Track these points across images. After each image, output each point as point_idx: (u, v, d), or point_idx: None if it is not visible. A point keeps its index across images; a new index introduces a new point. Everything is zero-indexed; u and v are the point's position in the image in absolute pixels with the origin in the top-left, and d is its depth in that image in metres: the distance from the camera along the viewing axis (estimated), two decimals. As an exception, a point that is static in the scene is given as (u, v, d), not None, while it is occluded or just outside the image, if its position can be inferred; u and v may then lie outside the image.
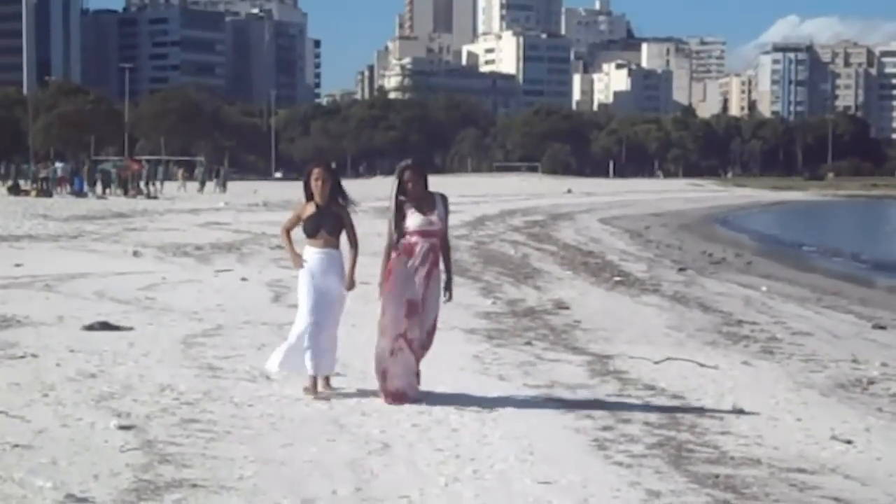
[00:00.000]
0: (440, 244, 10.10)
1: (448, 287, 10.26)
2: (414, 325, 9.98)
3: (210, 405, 9.65)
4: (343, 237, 10.45)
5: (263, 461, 7.83)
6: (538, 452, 8.44)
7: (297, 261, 10.33)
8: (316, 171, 10.30)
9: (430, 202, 10.03)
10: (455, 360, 12.42)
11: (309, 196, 10.33)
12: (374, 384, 10.29)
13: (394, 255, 9.98)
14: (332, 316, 10.29)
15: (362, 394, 10.26)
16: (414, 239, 9.96)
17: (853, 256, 40.64)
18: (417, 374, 10.19)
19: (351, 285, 10.33)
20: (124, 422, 8.86)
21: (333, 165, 10.92)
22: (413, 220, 9.96)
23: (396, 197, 10.00)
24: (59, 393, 9.94)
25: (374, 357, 10.05)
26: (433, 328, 10.20)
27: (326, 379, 10.40)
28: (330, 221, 10.24)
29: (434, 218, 10.00)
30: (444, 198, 10.15)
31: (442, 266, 10.17)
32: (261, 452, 8.04)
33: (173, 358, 11.94)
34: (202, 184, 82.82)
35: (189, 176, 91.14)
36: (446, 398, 10.27)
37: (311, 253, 10.27)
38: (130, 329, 13.86)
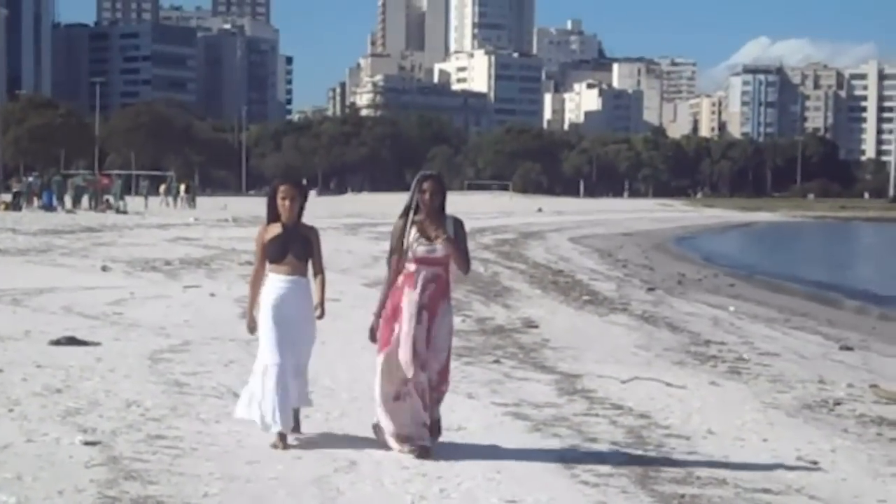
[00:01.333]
0: (446, 274, 8.98)
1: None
2: (419, 368, 8.79)
3: (176, 421, 9.61)
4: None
5: (229, 478, 7.80)
6: (505, 471, 8.44)
7: (252, 324, 9.20)
8: (283, 189, 9.05)
9: (438, 224, 8.88)
10: (423, 377, 12.38)
11: (273, 216, 9.11)
12: (342, 402, 10.27)
13: (404, 286, 8.88)
14: (300, 356, 9.07)
15: (330, 412, 10.23)
16: (414, 267, 8.85)
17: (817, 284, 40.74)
18: (430, 425, 8.92)
19: (322, 313, 9.16)
20: (90, 437, 8.81)
21: (304, 182, 10.05)
22: (416, 246, 8.86)
23: (408, 214, 8.91)
24: (24, 408, 9.88)
25: (377, 401, 8.93)
26: (444, 369, 8.98)
27: (297, 424, 9.22)
28: (298, 244, 9.02)
29: (439, 245, 8.84)
30: (457, 221, 9.03)
31: (450, 302, 9.10)
32: (227, 469, 8.01)
33: (140, 374, 11.89)
34: (174, 198, 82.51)
35: (154, 191, 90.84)
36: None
37: (276, 281, 9.02)
38: (97, 344, 13.79)
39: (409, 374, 8.75)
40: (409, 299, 8.82)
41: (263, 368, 8.91)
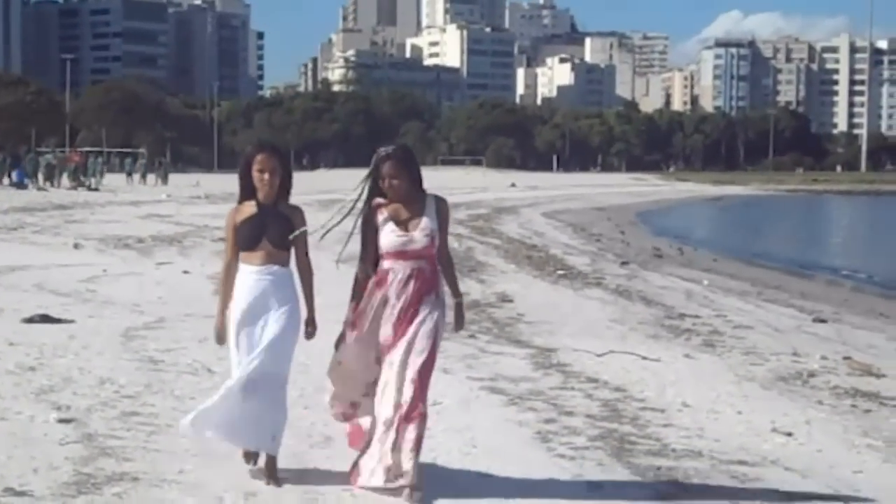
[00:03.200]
0: (431, 267, 7.22)
1: (457, 316, 7.53)
2: (404, 380, 7.09)
3: (151, 398, 9.58)
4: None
5: (205, 455, 7.77)
6: (481, 445, 8.44)
7: (221, 331, 7.41)
8: (260, 158, 7.23)
9: (415, 208, 7.19)
10: (398, 353, 12.38)
11: (247, 193, 7.34)
12: (316, 378, 10.22)
13: (374, 288, 7.23)
14: (277, 369, 7.28)
15: (305, 387, 10.21)
16: (387, 264, 7.16)
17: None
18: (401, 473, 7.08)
19: (313, 331, 7.52)
20: (64, 415, 8.78)
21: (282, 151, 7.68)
22: (386, 236, 7.14)
23: (369, 198, 7.29)
24: (-3, 386, 9.84)
25: (333, 409, 7.64)
26: (420, 378, 7.05)
27: (270, 462, 7.35)
28: (277, 227, 7.26)
29: (417, 233, 7.12)
30: (439, 200, 7.30)
31: (440, 296, 7.34)
32: (202, 446, 7.99)
33: (114, 351, 11.85)
34: (143, 176, 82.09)
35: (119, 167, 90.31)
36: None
37: (248, 274, 7.26)
38: (71, 322, 13.74)
39: (372, 377, 7.27)
40: (376, 297, 7.21)
41: (231, 384, 7.23)
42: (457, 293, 7.45)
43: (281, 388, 7.29)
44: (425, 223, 7.17)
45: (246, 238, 7.30)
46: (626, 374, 11.77)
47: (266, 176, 7.28)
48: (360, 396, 7.41)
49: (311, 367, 10.39)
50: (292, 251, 7.42)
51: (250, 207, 7.34)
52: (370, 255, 7.27)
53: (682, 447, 8.69)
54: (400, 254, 7.15)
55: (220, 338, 7.44)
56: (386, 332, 7.18)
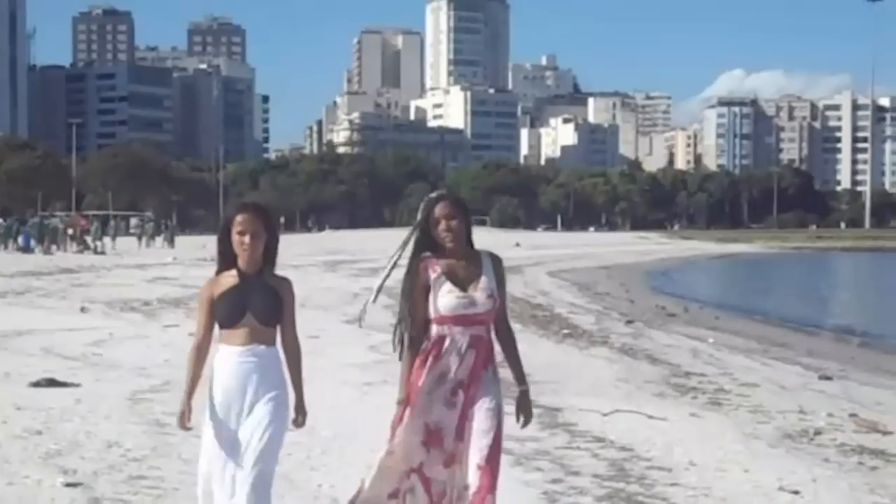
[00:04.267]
0: (488, 336, 6.27)
1: (522, 406, 6.51)
2: (436, 461, 6.14)
3: (158, 461, 9.59)
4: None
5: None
6: None
7: (184, 416, 6.41)
8: (240, 219, 6.26)
9: (471, 265, 6.24)
10: (404, 414, 12.39)
11: (227, 261, 6.37)
12: (322, 439, 10.23)
13: (427, 359, 6.19)
14: (264, 467, 6.14)
15: (311, 449, 10.20)
16: (441, 330, 6.16)
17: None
18: None
19: (303, 416, 6.46)
20: (71, 479, 8.79)
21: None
22: (444, 297, 6.14)
23: (416, 252, 6.30)
24: (5, 450, 9.85)
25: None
26: (489, 465, 6.07)
27: None
28: (262, 300, 6.24)
29: (479, 294, 6.15)
30: (494, 258, 6.40)
31: (497, 372, 6.38)
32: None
33: (120, 414, 11.86)
34: (151, 237, 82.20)
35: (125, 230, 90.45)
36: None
37: (228, 356, 6.24)
38: (77, 385, 13.75)
39: (417, 460, 6.14)
40: (432, 372, 6.18)
41: (203, 492, 6.30)
42: (521, 379, 6.45)
43: (267, 489, 6.14)
44: (485, 283, 6.19)
45: (226, 314, 6.26)
46: (632, 433, 11.76)
47: (247, 239, 6.25)
48: (397, 485, 6.17)
49: (317, 427, 10.39)
50: (278, 329, 6.35)
51: (230, 278, 6.33)
52: (418, 320, 6.20)
53: (689, 506, 8.68)
54: (459, 318, 6.13)
55: (182, 421, 6.38)
56: (439, 412, 6.11)
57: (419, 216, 6.27)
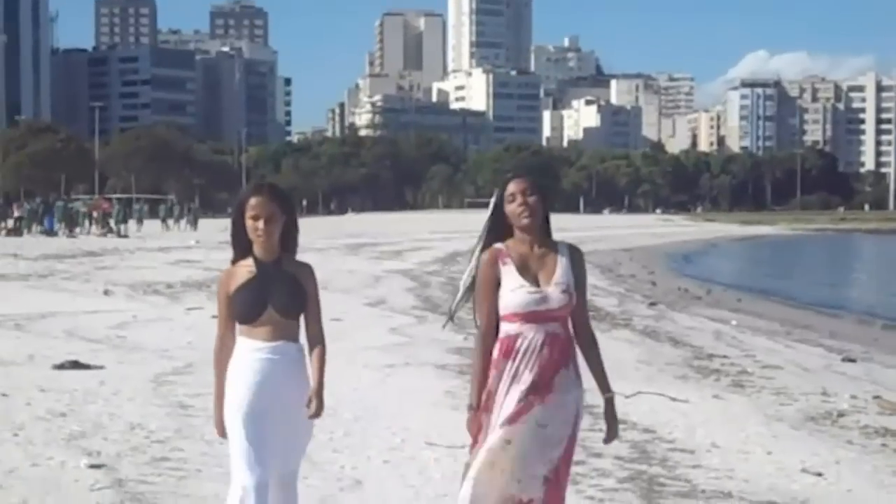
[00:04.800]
0: (565, 332, 5.65)
1: (607, 416, 5.92)
2: (535, 478, 5.47)
3: (181, 443, 9.62)
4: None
5: (235, 499, 7.79)
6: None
7: (221, 423, 5.91)
8: (254, 202, 5.76)
9: (547, 257, 5.65)
10: (427, 395, 12.41)
11: (242, 249, 5.90)
12: (345, 421, 10.24)
13: (499, 359, 5.59)
14: (289, 464, 5.91)
15: (334, 431, 10.22)
16: (513, 328, 5.56)
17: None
18: None
19: (319, 408, 5.81)
20: (95, 461, 8.82)
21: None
22: (514, 293, 5.55)
23: (488, 241, 5.73)
24: (28, 432, 9.89)
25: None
26: (559, 479, 5.57)
27: None
28: (284, 290, 5.78)
29: (552, 289, 5.54)
30: (573, 250, 5.79)
31: (579, 374, 5.73)
32: None
33: (144, 396, 11.90)
34: (164, 221, 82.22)
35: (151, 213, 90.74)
36: (418, 434, 10.26)
37: (250, 353, 5.80)
38: (101, 368, 13.80)
39: (511, 489, 5.43)
40: (506, 379, 5.55)
41: (241, 495, 5.74)
42: (606, 386, 5.83)
43: (294, 489, 5.93)
44: (560, 276, 5.59)
45: (245, 308, 5.79)
46: (654, 415, 11.75)
47: (261, 224, 5.74)
48: None
49: (339, 409, 10.42)
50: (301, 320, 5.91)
51: (246, 269, 5.84)
52: (489, 317, 5.63)
53: (712, 488, 8.67)
54: (531, 315, 5.53)
55: (222, 429, 5.92)
56: (508, 408, 5.51)
57: (493, 199, 5.76)
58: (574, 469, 9.06)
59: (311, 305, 5.85)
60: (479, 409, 5.57)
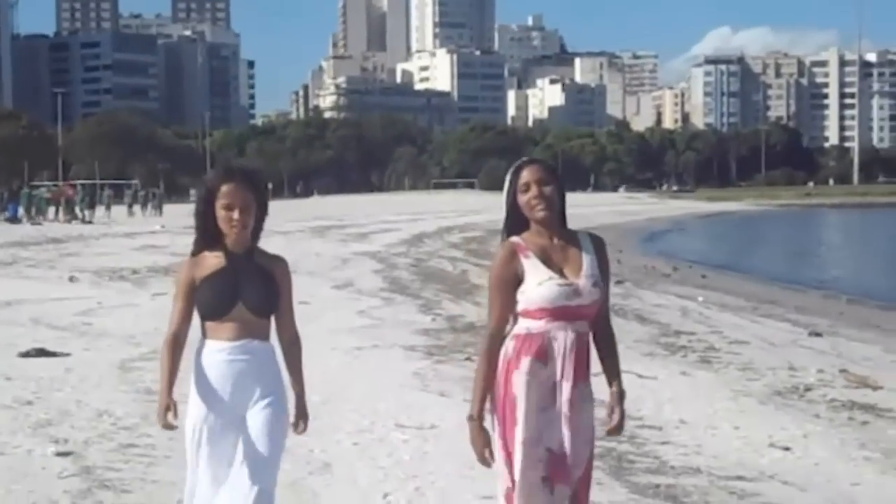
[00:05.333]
0: (588, 334, 5.05)
1: (618, 414, 5.14)
2: (564, 496, 5.02)
3: (149, 429, 9.57)
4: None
5: (204, 484, 7.77)
6: (479, 467, 8.40)
7: (164, 411, 5.36)
8: (227, 190, 5.19)
9: (570, 248, 5.09)
10: (395, 377, 12.41)
11: (209, 239, 5.31)
12: (313, 404, 10.20)
13: (519, 359, 4.96)
14: (264, 484, 5.23)
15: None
16: (540, 326, 4.96)
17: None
18: None
19: (304, 421, 5.62)
20: (62, 448, 8.79)
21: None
22: (544, 285, 4.96)
23: (505, 235, 5.25)
24: (-5, 421, 9.84)
25: None
26: (580, 492, 5.13)
27: None
28: (255, 286, 5.26)
29: (583, 281, 4.97)
30: (596, 240, 5.22)
31: (589, 379, 5.10)
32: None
33: (111, 383, 11.85)
34: (129, 207, 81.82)
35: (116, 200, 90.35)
36: (387, 416, 10.25)
37: (216, 353, 5.31)
38: (67, 355, 13.73)
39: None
40: (535, 380, 4.94)
41: None
42: (619, 381, 5.18)
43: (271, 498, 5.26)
44: (588, 268, 5.02)
45: (213, 304, 5.25)
46: (622, 392, 11.76)
47: (236, 215, 5.18)
48: None
49: (308, 393, 10.36)
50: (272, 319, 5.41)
51: (216, 259, 5.27)
52: (504, 318, 5.07)
53: (681, 464, 8.70)
54: (561, 311, 4.95)
55: (164, 418, 5.33)
56: (555, 433, 4.95)
57: (506, 188, 5.23)
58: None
59: (285, 304, 5.37)
60: (481, 418, 5.08)
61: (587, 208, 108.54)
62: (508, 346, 4.99)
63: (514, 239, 5.12)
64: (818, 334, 18.68)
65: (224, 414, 5.25)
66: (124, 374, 12.40)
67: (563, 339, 4.94)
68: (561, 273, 4.98)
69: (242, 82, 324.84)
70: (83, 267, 29.66)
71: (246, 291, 5.22)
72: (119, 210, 78.76)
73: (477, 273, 29.91)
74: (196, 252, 5.33)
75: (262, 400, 5.26)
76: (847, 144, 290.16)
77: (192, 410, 5.30)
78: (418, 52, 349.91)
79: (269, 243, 5.64)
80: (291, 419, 5.47)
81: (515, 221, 5.19)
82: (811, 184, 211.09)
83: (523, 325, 4.98)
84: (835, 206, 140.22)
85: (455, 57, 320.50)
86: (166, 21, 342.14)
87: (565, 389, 4.93)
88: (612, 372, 5.17)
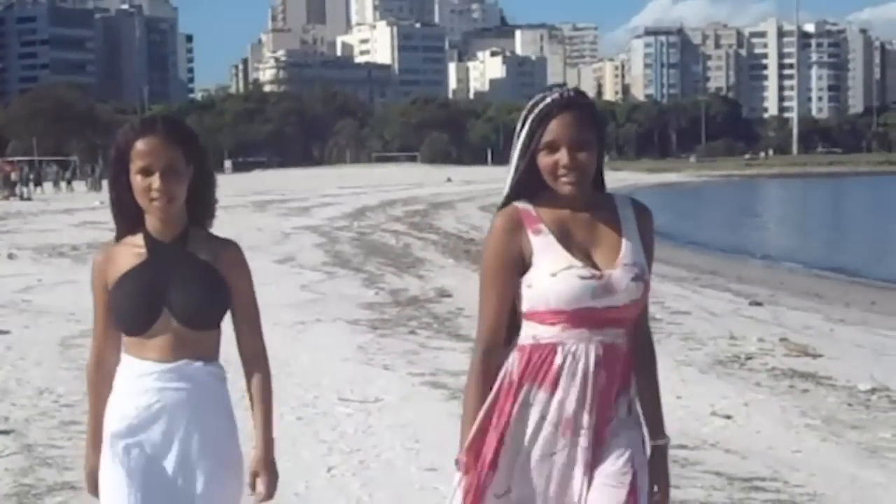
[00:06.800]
0: (626, 346, 3.73)
1: (654, 470, 3.76)
2: None
3: (90, 406, 9.51)
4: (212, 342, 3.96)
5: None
6: (424, 440, 8.45)
7: (91, 483, 4.03)
8: (144, 147, 3.71)
9: (603, 222, 3.68)
10: (339, 350, 12.40)
11: (127, 219, 3.84)
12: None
13: (521, 381, 3.60)
14: None
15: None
16: (552, 332, 3.58)
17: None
18: None
19: (271, 486, 4.13)
20: (2, 426, 8.73)
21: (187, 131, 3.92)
22: (558, 278, 3.54)
23: (510, 196, 3.67)
24: (-66, 400, 9.74)
25: None
26: None
27: None
28: (186, 286, 3.79)
29: (618, 272, 3.60)
30: (639, 209, 3.84)
31: (636, 408, 3.85)
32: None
33: (51, 360, 11.76)
34: (55, 184, 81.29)
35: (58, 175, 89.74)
36: (330, 390, 10.23)
37: (136, 379, 3.82)
38: (6, 333, 13.61)
39: None
40: (527, 411, 3.60)
41: None
42: (659, 427, 3.88)
43: None
44: (628, 254, 3.65)
45: (129, 313, 3.79)
46: (565, 363, 11.79)
47: (156, 182, 3.68)
48: None
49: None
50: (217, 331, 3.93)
51: (133, 250, 3.82)
52: (500, 319, 3.65)
53: (624, 434, 8.73)
54: (583, 315, 3.56)
55: (94, 486, 3.99)
56: (530, 481, 3.63)
57: (520, 135, 3.72)
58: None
59: (242, 309, 3.91)
60: (470, 463, 3.73)
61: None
62: (511, 360, 3.63)
63: (520, 204, 3.61)
64: (759, 304, 18.85)
65: (151, 462, 3.77)
66: (65, 351, 12.31)
67: (580, 352, 3.55)
68: (587, 259, 3.57)
69: (181, 56, 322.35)
70: (22, 244, 29.38)
71: (173, 294, 3.75)
72: (48, 186, 78.06)
73: (420, 246, 29.92)
74: (119, 238, 3.87)
75: (205, 448, 3.81)
76: (786, 115, 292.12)
77: (108, 447, 3.83)
78: (358, 24, 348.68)
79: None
80: (247, 478, 3.99)
81: (528, 182, 3.64)
82: (762, 154, 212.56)
83: (529, 333, 3.59)
84: (774, 177, 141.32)
85: (395, 29, 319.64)
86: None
87: (585, 426, 3.56)
88: (650, 404, 3.85)
